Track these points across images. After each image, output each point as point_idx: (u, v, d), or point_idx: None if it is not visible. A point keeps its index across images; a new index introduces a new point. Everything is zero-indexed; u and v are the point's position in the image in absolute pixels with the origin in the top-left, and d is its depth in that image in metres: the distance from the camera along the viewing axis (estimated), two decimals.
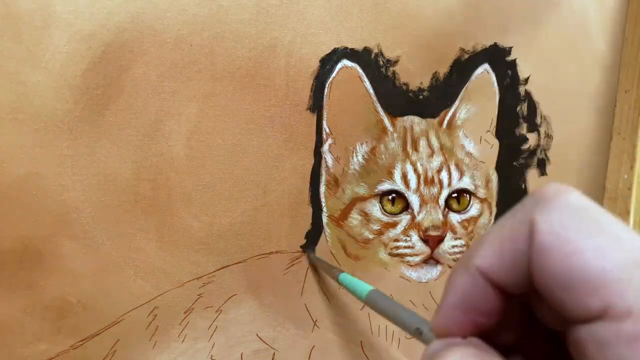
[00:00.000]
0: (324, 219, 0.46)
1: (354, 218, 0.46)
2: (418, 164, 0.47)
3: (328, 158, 0.46)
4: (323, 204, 0.46)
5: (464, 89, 0.49)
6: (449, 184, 0.47)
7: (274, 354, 0.46)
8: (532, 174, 0.53)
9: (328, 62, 0.45)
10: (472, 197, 0.48)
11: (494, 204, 0.51)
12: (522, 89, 0.52)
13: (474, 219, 0.49)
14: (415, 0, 0.47)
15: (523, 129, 0.52)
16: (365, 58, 0.46)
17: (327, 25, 0.45)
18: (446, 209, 0.47)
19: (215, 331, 0.44)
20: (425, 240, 0.46)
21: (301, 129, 0.45)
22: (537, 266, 0.18)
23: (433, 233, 0.46)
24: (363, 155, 0.47)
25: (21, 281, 0.39)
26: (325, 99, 0.45)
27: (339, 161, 0.46)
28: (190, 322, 0.43)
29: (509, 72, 0.51)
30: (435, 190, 0.47)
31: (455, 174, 0.48)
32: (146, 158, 0.41)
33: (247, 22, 0.43)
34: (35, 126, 0.38)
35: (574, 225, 0.17)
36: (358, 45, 0.46)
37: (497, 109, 0.51)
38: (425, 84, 0.48)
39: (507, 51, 0.51)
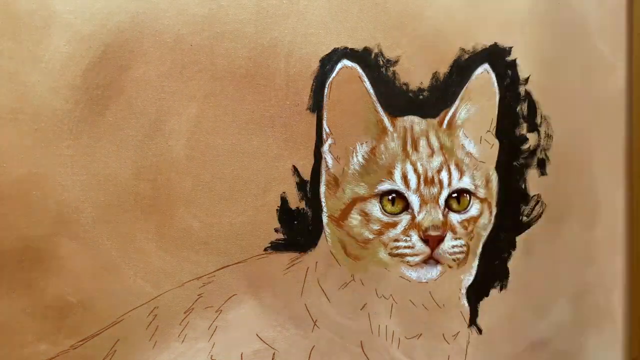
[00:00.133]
0: (324, 219, 0.46)
1: (354, 218, 0.46)
2: (418, 164, 0.47)
3: (328, 158, 0.46)
4: (323, 204, 0.46)
5: (464, 89, 0.49)
6: (449, 184, 0.47)
7: (274, 354, 0.46)
8: (532, 174, 0.53)
9: (328, 62, 0.45)
10: (472, 197, 0.48)
11: (494, 203, 0.51)
12: (522, 89, 0.52)
13: (474, 219, 0.49)
14: (415, 0, 0.47)
15: (523, 129, 0.52)
16: (365, 58, 0.46)
17: (327, 25, 0.45)
18: (446, 209, 0.47)
19: (215, 331, 0.44)
20: (425, 240, 0.46)
21: (301, 129, 0.45)
22: None
23: (433, 233, 0.46)
24: (363, 155, 0.47)
25: (21, 281, 0.39)
26: (325, 99, 0.45)
27: (339, 161, 0.46)
28: (190, 322, 0.43)
29: (509, 72, 0.51)
30: (435, 190, 0.47)
31: (455, 174, 0.48)
32: (146, 158, 0.41)
33: (247, 22, 0.43)
34: (35, 126, 0.38)
35: None
36: (358, 45, 0.46)
37: (497, 109, 0.51)
38: (425, 84, 0.48)
39: (507, 51, 0.51)
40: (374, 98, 0.46)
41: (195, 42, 0.41)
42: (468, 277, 0.51)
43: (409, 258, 0.47)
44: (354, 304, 0.48)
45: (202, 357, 0.44)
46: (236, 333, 0.45)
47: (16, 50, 0.37)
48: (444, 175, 0.47)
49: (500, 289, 0.52)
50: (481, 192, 0.49)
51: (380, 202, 0.46)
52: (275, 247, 0.45)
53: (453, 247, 0.47)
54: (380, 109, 0.46)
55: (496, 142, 0.51)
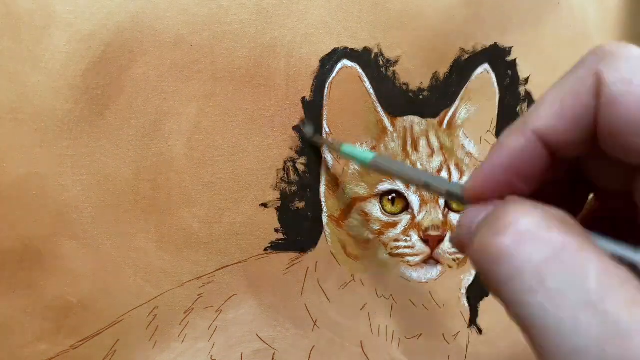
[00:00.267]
0: (324, 219, 0.46)
1: (354, 218, 0.46)
2: (418, 164, 0.47)
3: (328, 158, 0.46)
4: (323, 204, 0.46)
5: (464, 89, 0.49)
6: None
7: (274, 354, 0.46)
8: None
9: (328, 62, 0.45)
10: None
11: None
12: (522, 89, 0.52)
13: None
14: (415, 0, 0.47)
15: None
16: (365, 58, 0.46)
17: (327, 25, 0.45)
18: (446, 209, 0.47)
19: (215, 331, 0.44)
20: (425, 240, 0.46)
21: None
22: (605, 117, 0.18)
23: (433, 233, 0.46)
24: None
25: (21, 281, 0.39)
26: (325, 99, 0.45)
27: (339, 161, 0.46)
28: (190, 322, 0.43)
29: (509, 72, 0.51)
30: None
31: (455, 174, 0.48)
32: (146, 158, 0.41)
33: (247, 22, 0.43)
34: (35, 126, 0.38)
35: None
36: (358, 45, 0.46)
37: (497, 109, 0.51)
38: (425, 84, 0.48)
39: (507, 51, 0.51)
40: (374, 98, 0.46)
41: (195, 42, 0.41)
42: (468, 277, 0.51)
43: (409, 258, 0.47)
44: (354, 304, 0.48)
45: (202, 357, 0.44)
46: (236, 333, 0.45)
47: (16, 50, 0.37)
48: (444, 175, 0.47)
49: None
50: None
51: (380, 202, 0.46)
52: (275, 247, 0.45)
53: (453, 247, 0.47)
54: (380, 109, 0.46)
55: None
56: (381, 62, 0.47)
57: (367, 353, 0.48)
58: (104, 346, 0.41)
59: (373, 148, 0.47)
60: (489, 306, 0.52)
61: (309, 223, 0.46)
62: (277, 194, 0.45)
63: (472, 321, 0.51)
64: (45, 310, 0.40)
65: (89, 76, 0.39)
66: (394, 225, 0.46)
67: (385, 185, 0.46)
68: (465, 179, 0.48)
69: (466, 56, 0.49)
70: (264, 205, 0.44)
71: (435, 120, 0.48)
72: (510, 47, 0.51)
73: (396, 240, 0.46)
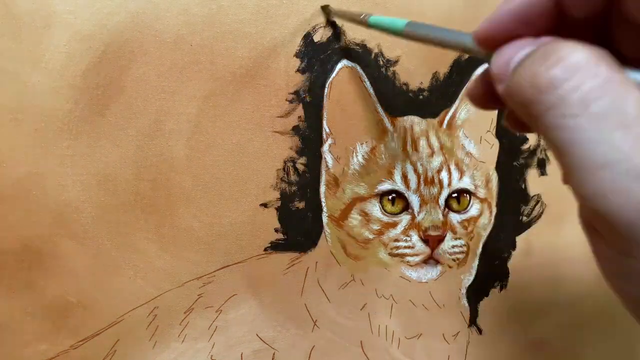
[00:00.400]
0: (324, 219, 0.46)
1: (354, 218, 0.46)
2: (418, 164, 0.47)
3: (328, 158, 0.46)
4: (323, 204, 0.46)
5: (464, 89, 0.49)
6: (449, 184, 0.47)
7: (274, 354, 0.46)
8: (532, 174, 0.53)
9: (328, 62, 0.45)
10: (472, 197, 0.48)
11: (494, 204, 0.51)
12: None
13: (474, 219, 0.49)
14: (415, 0, 0.47)
15: None
16: (365, 58, 0.46)
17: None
18: (446, 209, 0.47)
19: (215, 331, 0.44)
20: (425, 240, 0.46)
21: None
22: None
23: (433, 233, 0.46)
24: (363, 155, 0.47)
25: (21, 281, 0.39)
26: (325, 99, 0.45)
27: (339, 161, 0.46)
28: (190, 322, 0.43)
29: None
30: (435, 190, 0.47)
31: (455, 174, 0.48)
32: (146, 158, 0.41)
33: (247, 22, 0.43)
34: (35, 126, 0.38)
35: None
36: (358, 46, 0.46)
37: (497, 109, 0.51)
38: (425, 84, 0.48)
39: None
40: (374, 98, 0.46)
41: (195, 42, 0.41)
42: (468, 277, 0.51)
43: (409, 258, 0.47)
44: (354, 304, 0.48)
45: (202, 357, 0.44)
46: (236, 333, 0.45)
47: (16, 50, 0.37)
48: (444, 175, 0.47)
49: (500, 289, 0.52)
50: (481, 192, 0.49)
51: (380, 202, 0.46)
52: (275, 247, 0.45)
53: (453, 247, 0.47)
54: (380, 109, 0.46)
55: (496, 142, 0.51)
56: (381, 62, 0.47)
57: (367, 353, 0.48)
58: (104, 346, 0.41)
59: (373, 148, 0.47)
60: (489, 306, 0.52)
61: (309, 223, 0.46)
62: (277, 194, 0.45)
63: (472, 321, 0.52)
64: (45, 310, 0.40)
65: (89, 76, 0.39)
66: (394, 225, 0.46)
67: (386, 185, 0.46)
68: (465, 178, 0.48)
69: (466, 56, 0.49)
70: (264, 205, 0.44)
71: (435, 120, 0.48)
72: None
73: (396, 240, 0.46)
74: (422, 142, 0.48)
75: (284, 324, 0.46)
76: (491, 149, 0.51)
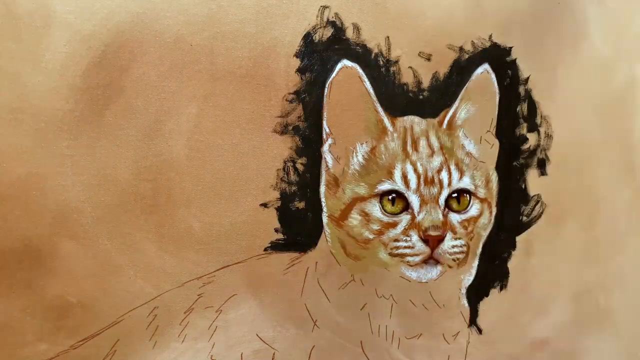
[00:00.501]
0: (324, 219, 0.46)
1: (354, 218, 0.46)
2: (418, 164, 0.47)
3: (328, 158, 0.46)
4: (323, 204, 0.46)
5: (464, 89, 0.49)
6: (449, 184, 0.47)
7: (274, 354, 0.46)
8: (532, 174, 0.53)
9: (328, 62, 0.45)
10: (472, 197, 0.48)
11: (494, 204, 0.51)
12: (522, 89, 0.52)
13: (474, 219, 0.49)
14: (415, 0, 0.47)
15: (523, 129, 0.52)
16: (365, 58, 0.46)
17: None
18: (446, 209, 0.47)
19: (215, 331, 0.44)
20: (425, 240, 0.46)
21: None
22: None
23: (433, 233, 0.46)
24: (363, 155, 0.47)
25: (21, 281, 0.39)
26: (325, 99, 0.45)
27: (339, 161, 0.46)
28: (190, 322, 0.43)
29: (509, 72, 0.51)
30: (435, 190, 0.47)
31: (455, 174, 0.48)
32: (146, 158, 0.41)
33: (247, 22, 0.43)
34: (35, 126, 0.38)
35: None
36: (358, 46, 0.46)
37: (497, 109, 0.51)
38: (425, 84, 0.48)
39: (507, 51, 0.51)
40: (374, 98, 0.46)
41: (195, 42, 0.41)
42: (468, 277, 0.51)
43: (409, 258, 0.47)
44: (354, 304, 0.48)
45: (202, 357, 0.44)
46: (236, 333, 0.45)
47: (16, 50, 0.37)
48: (444, 175, 0.47)
49: (500, 289, 0.52)
50: (481, 192, 0.49)
51: (380, 202, 0.46)
52: (275, 247, 0.45)
53: (453, 247, 0.47)
54: (380, 109, 0.46)
55: (496, 142, 0.51)
56: (381, 62, 0.47)
57: (367, 353, 0.48)
58: (104, 346, 0.41)
59: (373, 148, 0.47)
60: (489, 306, 0.52)
61: (309, 223, 0.46)
62: (277, 194, 0.45)
63: (472, 321, 0.52)
64: (45, 310, 0.40)
65: (89, 76, 0.39)
66: (394, 225, 0.46)
67: (386, 185, 0.46)
68: (465, 178, 0.48)
69: (466, 56, 0.49)
70: (264, 205, 0.44)
71: (435, 120, 0.48)
72: (510, 47, 0.51)
73: (396, 240, 0.46)
74: (422, 142, 0.48)
75: (284, 324, 0.46)
76: (491, 149, 0.51)
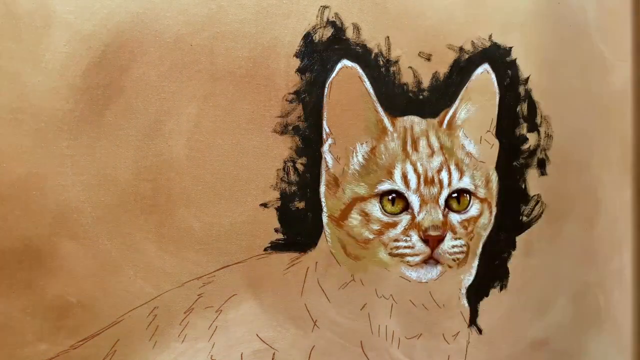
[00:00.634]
0: (324, 219, 0.46)
1: (354, 218, 0.46)
2: (418, 164, 0.47)
3: (328, 158, 0.46)
4: (323, 204, 0.46)
5: (464, 89, 0.49)
6: (449, 184, 0.47)
7: (274, 354, 0.46)
8: (532, 174, 0.53)
9: (328, 62, 0.45)
10: (472, 197, 0.48)
11: (494, 203, 0.51)
12: (522, 89, 0.52)
13: (474, 219, 0.49)
14: (415, 0, 0.47)
15: (523, 129, 0.52)
16: (365, 58, 0.46)
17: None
18: (446, 209, 0.47)
19: (215, 331, 0.44)
20: (425, 240, 0.46)
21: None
22: None
23: (433, 233, 0.46)
24: (363, 155, 0.47)
25: (21, 281, 0.39)
26: (325, 99, 0.45)
27: (339, 161, 0.46)
28: (190, 322, 0.43)
29: (509, 72, 0.51)
30: (435, 190, 0.47)
31: (455, 174, 0.48)
32: (146, 158, 0.41)
33: (247, 22, 0.43)
34: (35, 126, 0.38)
35: None
36: (358, 46, 0.46)
37: (497, 109, 0.51)
38: (425, 84, 0.48)
39: (507, 51, 0.51)
40: (374, 98, 0.46)
41: (195, 42, 0.41)
42: (468, 277, 0.51)
43: (409, 258, 0.47)
44: (354, 304, 0.48)
45: (202, 357, 0.44)
46: (236, 333, 0.45)
47: (16, 50, 0.37)
48: (444, 175, 0.47)
49: (500, 289, 0.52)
50: (481, 192, 0.49)
51: (380, 202, 0.46)
52: (275, 247, 0.45)
53: (453, 247, 0.47)
54: (380, 109, 0.46)
55: (496, 142, 0.51)
56: (381, 62, 0.47)
57: (367, 353, 0.48)
58: (104, 346, 0.41)
59: (373, 148, 0.47)
60: (489, 306, 0.52)
61: (309, 223, 0.46)
62: (277, 194, 0.45)
63: (472, 321, 0.52)
64: (45, 310, 0.40)
65: (89, 76, 0.39)
66: (394, 225, 0.46)
67: (386, 185, 0.46)
68: (465, 178, 0.48)
69: (466, 56, 0.49)
70: (264, 205, 0.44)
71: (435, 120, 0.48)
72: (510, 47, 0.51)
73: (396, 240, 0.46)
74: (422, 142, 0.48)
75: (284, 324, 0.46)
76: (491, 149, 0.51)
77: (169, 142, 0.42)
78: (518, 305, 0.53)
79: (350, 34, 0.46)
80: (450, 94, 0.49)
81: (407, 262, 0.47)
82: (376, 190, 0.46)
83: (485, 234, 0.51)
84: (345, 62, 0.45)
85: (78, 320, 0.40)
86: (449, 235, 0.47)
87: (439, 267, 0.48)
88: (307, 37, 0.44)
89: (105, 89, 0.40)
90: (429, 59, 0.48)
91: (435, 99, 0.48)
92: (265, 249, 0.45)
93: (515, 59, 0.52)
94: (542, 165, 0.53)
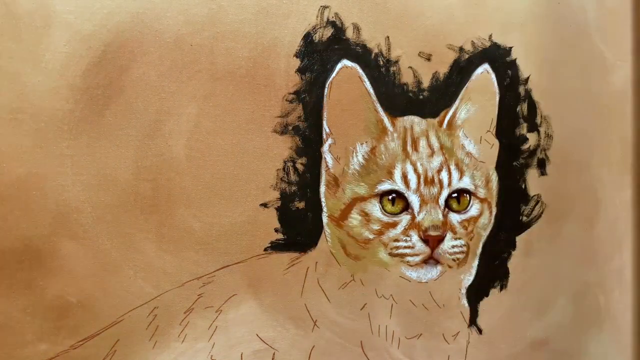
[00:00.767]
0: (324, 219, 0.46)
1: (354, 218, 0.46)
2: (418, 164, 0.47)
3: (328, 158, 0.46)
4: (323, 204, 0.46)
5: (464, 89, 0.49)
6: (449, 184, 0.47)
7: (274, 354, 0.46)
8: (532, 174, 0.53)
9: (328, 62, 0.45)
10: (472, 197, 0.48)
11: (494, 203, 0.51)
12: (522, 89, 0.52)
13: (474, 219, 0.49)
14: (415, 0, 0.47)
15: (523, 129, 0.52)
16: (365, 58, 0.46)
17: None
18: (446, 209, 0.47)
19: (215, 331, 0.44)
20: (425, 240, 0.46)
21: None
22: None
23: (433, 233, 0.46)
24: (363, 155, 0.47)
25: (21, 281, 0.39)
26: (325, 99, 0.45)
27: (339, 161, 0.46)
28: (190, 322, 0.43)
29: (509, 72, 0.51)
30: (435, 190, 0.47)
31: (455, 174, 0.48)
32: (146, 158, 0.41)
33: (247, 22, 0.43)
34: (35, 126, 0.38)
35: None
36: (358, 46, 0.46)
37: (497, 109, 0.51)
38: (425, 84, 0.48)
39: (507, 51, 0.51)
40: (374, 98, 0.46)
41: (195, 42, 0.41)
42: (468, 277, 0.51)
43: (409, 258, 0.47)
44: (354, 304, 0.48)
45: (202, 357, 0.44)
46: (236, 333, 0.45)
47: (16, 50, 0.37)
48: (444, 175, 0.47)
49: (500, 289, 0.52)
50: (481, 192, 0.49)
51: (380, 202, 0.46)
52: (275, 247, 0.45)
53: (453, 247, 0.47)
54: (380, 109, 0.46)
55: (496, 142, 0.51)
56: (381, 62, 0.47)
57: (367, 353, 0.48)
58: (104, 346, 0.41)
59: (373, 148, 0.47)
60: (489, 306, 0.52)
61: (309, 223, 0.46)
62: (277, 194, 0.45)
63: (472, 321, 0.52)
64: (45, 310, 0.40)
65: (89, 76, 0.39)
66: (394, 225, 0.46)
67: (386, 185, 0.46)
68: (465, 178, 0.48)
69: (466, 56, 0.49)
70: (264, 205, 0.44)
71: (435, 120, 0.48)
72: (510, 47, 0.51)
73: (396, 240, 0.46)
74: (422, 142, 0.48)
75: (284, 324, 0.46)
76: (491, 149, 0.51)
77: (169, 142, 0.42)
78: (518, 305, 0.53)
79: (350, 34, 0.46)
80: (450, 94, 0.49)
81: (407, 262, 0.47)
82: (376, 190, 0.46)
83: (485, 234, 0.51)
84: (345, 62, 0.45)
85: (78, 320, 0.40)
86: (449, 235, 0.47)
87: (439, 267, 0.48)
88: (307, 37, 0.44)
89: (105, 89, 0.40)
90: (429, 59, 0.48)
91: (435, 99, 0.48)
92: (265, 249, 0.45)
93: (515, 59, 0.52)
94: (542, 165, 0.53)
